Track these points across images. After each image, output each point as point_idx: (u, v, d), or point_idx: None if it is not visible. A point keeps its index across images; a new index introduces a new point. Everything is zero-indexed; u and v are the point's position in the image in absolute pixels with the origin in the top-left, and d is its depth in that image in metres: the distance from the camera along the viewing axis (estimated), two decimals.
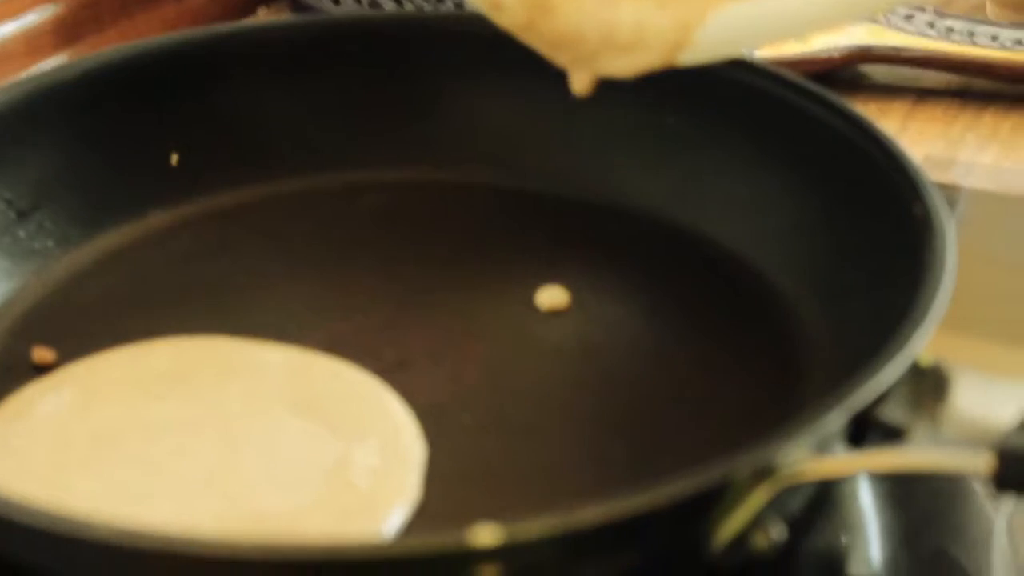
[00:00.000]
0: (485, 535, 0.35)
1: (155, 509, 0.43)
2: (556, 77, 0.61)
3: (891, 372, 0.40)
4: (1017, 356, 0.55)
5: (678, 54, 0.49)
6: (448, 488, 0.45)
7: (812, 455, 0.39)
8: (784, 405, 0.48)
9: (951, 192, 0.63)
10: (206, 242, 0.58)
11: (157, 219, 0.59)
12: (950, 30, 0.73)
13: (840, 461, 0.39)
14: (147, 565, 0.36)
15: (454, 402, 0.49)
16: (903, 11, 0.75)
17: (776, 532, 0.39)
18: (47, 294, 0.55)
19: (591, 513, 0.36)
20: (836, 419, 0.39)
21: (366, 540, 0.42)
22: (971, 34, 0.73)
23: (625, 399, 0.50)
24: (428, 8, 0.75)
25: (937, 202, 0.48)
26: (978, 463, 0.37)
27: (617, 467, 0.46)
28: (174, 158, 0.60)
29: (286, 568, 0.36)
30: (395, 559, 0.36)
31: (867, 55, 0.72)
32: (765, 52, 0.72)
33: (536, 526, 0.36)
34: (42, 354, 0.51)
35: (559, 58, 0.52)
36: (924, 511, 0.45)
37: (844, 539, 0.45)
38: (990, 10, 0.79)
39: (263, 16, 0.82)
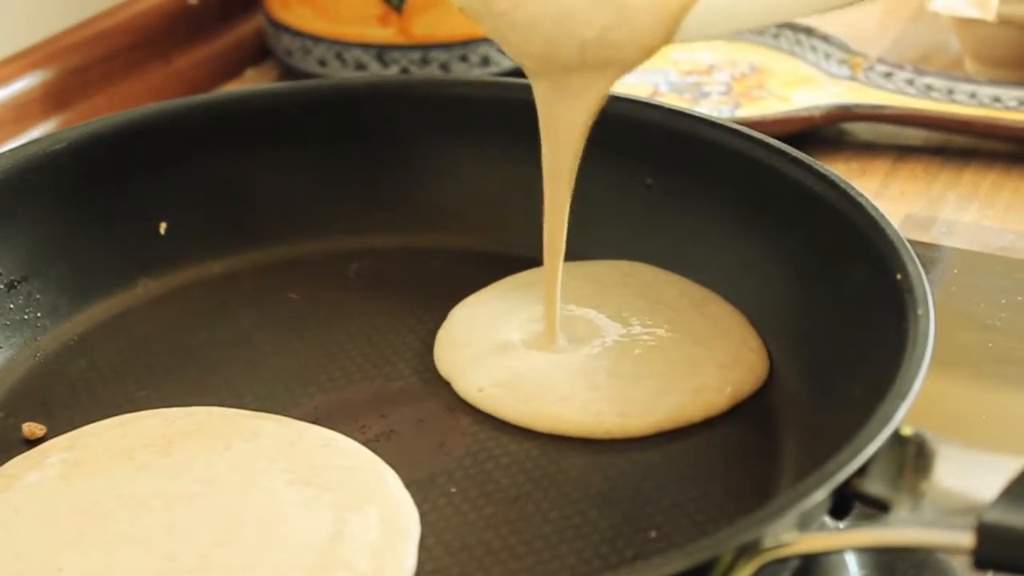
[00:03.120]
0: None
1: None
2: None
3: (872, 447, 0.41)
4: (996, 414, 0.55)
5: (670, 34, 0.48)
6: (438, 561, 0.46)
7: (795, 530, 0.39)
8: (766, 473, 0.49)
9: (932, 251, 0.64)
10: (195, 311, 0.59)
11: (146, 288, 0.60)
12: (929, 88, 0.74)
13: (823, 538, 0.40)
14: None
15: (441, 473, 0.49)
16: (883, 69, 0.76)
17: None
18: (37, 366, 0.55)
19: None
20: (818, 495, 0.39)
21: None
22: (950, 91, 0.74)
23: (608, 467, 0.50)
24: (414, 71, 0.76)
25: (919, 270, 0.49)
26: (960, 540, 0.37)
27: (601, 539, 0.46)
28: (163, 227, 0.61)
29: None
30: None
31: (847, 114, 0.73)
32: (746, 111, 0.73)
33: None
34: (32, 429, 0.52)
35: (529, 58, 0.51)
36: None
37: None
38: (969, 66, 0.79)
39: (251, 78, 0.83)
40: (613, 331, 0.55)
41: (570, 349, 0.54)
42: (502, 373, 0.53)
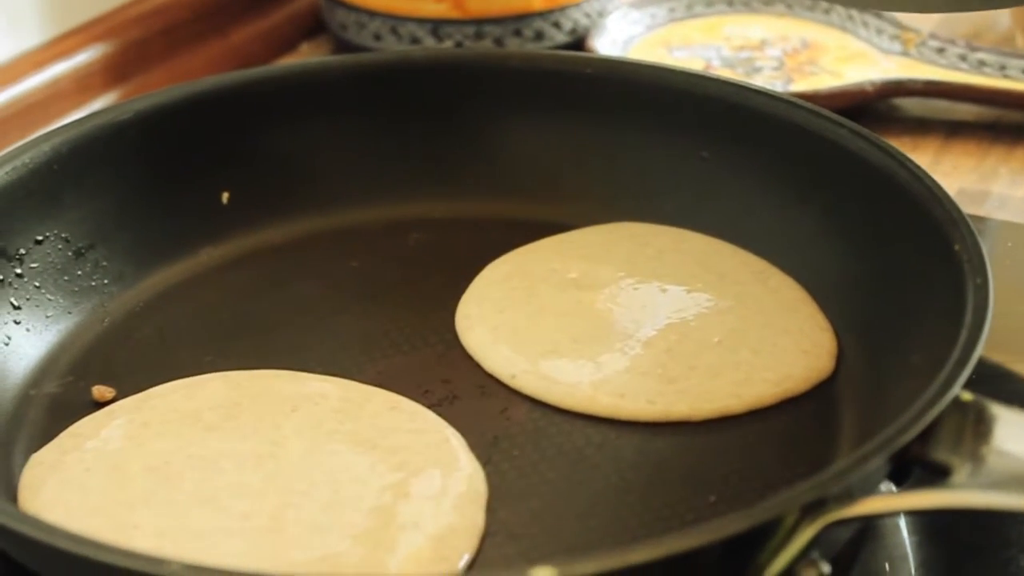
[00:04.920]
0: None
1: (222, 550, 0.44)
2: (598, 115, 0.62)
3: (934, 411, 0.41)
4: None
5: None
6: (502, 523, 0.46)
7: (858, 493, 0.40)
8: (824, 443, 0.50)
9: (985, 225, 0.64)
10: (257, 278, 0.60)
11: (209, 256, 0.61)
12: (982, 63, 0.74)
13: (886, 500, 0.40)
14: None
15: (505, 437, 0.50)
16: (935, 44, 0.76)
17: (821, 567, 0.40)
18: (105, 331, 0.57)
19: (646, 552, 0.37)
20: (881, 458, 0.40)
21: None
22: (1002, 67, 0.74)
23: (669, 437, 0.51)
24: (468, 45, 0.77)
25: (977, 240, 0.49)
26: (1020, 503, 0.38)
27: (661, 503, 0.47)
28: (225, 196, 0.62)
29: None
30: None
31: (900, 88, 0.73)
32: (798, 86, 0.73)
33: (593, 565, 0.37)
34: (102, 392, 0.53)
35: None
36: (966, 545, 0.46)
37: (887, 572, 0.46)
38: (1020, 42, 0.80)
39: (305, 52, 0.83)
40: (684, 309, 0.55)
41: (639, 333, 0.55)
42: (532, 364, 0.53)
